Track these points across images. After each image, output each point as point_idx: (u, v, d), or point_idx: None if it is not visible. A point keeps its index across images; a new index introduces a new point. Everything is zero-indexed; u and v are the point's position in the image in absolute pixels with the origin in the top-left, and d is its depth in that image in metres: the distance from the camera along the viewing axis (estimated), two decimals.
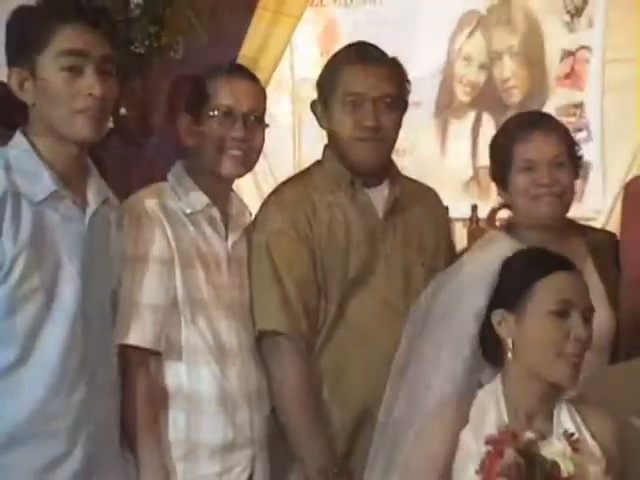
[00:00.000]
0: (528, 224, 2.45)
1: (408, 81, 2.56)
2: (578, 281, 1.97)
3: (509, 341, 1.96)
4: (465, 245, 3.77)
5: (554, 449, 1.77)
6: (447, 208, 2.79)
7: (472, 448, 1.91)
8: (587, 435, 1.94)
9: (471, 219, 4.41)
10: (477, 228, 4.34)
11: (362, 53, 2.55)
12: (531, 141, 2.43)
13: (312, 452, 2.41)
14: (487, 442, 1.81)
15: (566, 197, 2.44)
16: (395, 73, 2.53)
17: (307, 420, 2.42)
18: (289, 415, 2.44)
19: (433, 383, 2.05)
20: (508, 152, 2.45)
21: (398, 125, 2.54)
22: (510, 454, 1.74)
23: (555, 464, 1.75)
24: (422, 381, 2.06)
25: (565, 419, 1.95)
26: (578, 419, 1.96)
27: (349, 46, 2.64)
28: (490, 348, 2.01)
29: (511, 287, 1.98)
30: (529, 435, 1.80)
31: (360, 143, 2.49)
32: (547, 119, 2.56)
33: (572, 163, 2.46)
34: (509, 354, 1.96)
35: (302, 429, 2.42)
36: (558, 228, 2.46)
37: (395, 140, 2.55)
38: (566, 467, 1.77)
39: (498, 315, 1.98)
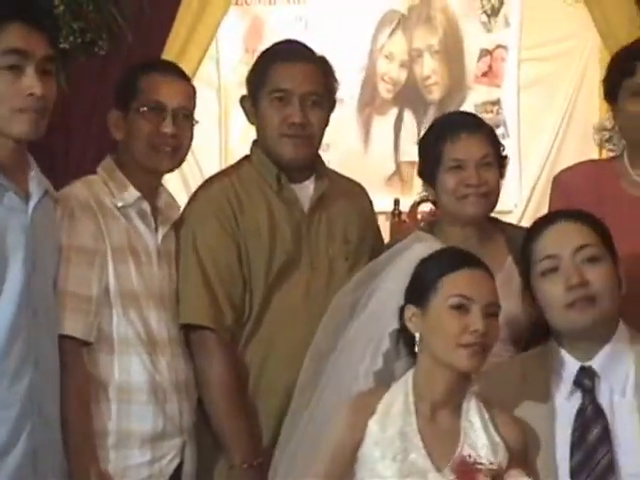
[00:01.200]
0: (452, 221, 2.51)
1: (335, 79, 2.61)
2: (482, 278, 2.03)
3: (417, 335, 2.04)
4: (388, 238, 3.85)
5: None
6: (371, 202, 2.83)
7: (377, 437, 1.99)
8: (492, 430, 2.02)
9: (393, 213, 4.46)
10: (399, 222, 4.40)
11: (290, 51, 2.59)
12: (460, 141, 2.46)
13: (236, 442, 2.45)
14: (459, 464, 1.89)
15: (492, 197, 2.49)
16: (322, 71, 2.57)
17: (232, 411, 2.46)
18: (215, 406, 2.48)
19: (360, 374, 2.11)
20: (437, 151, 2.49)
21: (324, 122, 2.58)
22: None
23: None
24: (350, 372, 2.12)
25: (472, 413, 2.03)
26: (486, 415, 2.04)
27: (277, 44, 2.68)
28: (408, 343, 2.08)
29: (421, 283, 2.06)
30: (499, 467, 1.88)
31: (286, 139, 2.52)
32: (476, 120, 2.61)
33: (498, 163, 2.51)
34: (417, 348, 2.04)
35: (227, 420, 2.46)
36: (480, 225, 2.52)
37: (322, 137, 2.59)
38: None
39: (409, 310, 2.06)
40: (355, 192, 2.73)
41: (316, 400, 2.15)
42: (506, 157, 2.56)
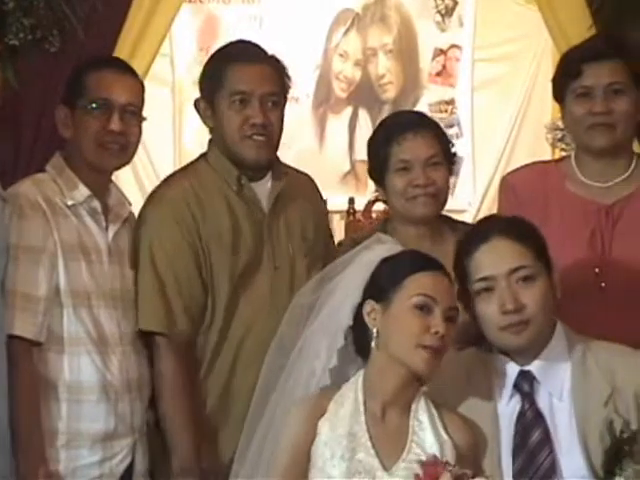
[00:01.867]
0: (403, 221, 2.53)
1: (289, 78, 2.62)
2: (444, 282, 2.05)
3: (375, 330, 2.05)
4: (343, 237, 3.87)
5: None
6: (321, 196, 2.84)
7: (327, 437, 2.01)
8: (440, 428, 2.05)
9: (348, 211, 4.49)
10: (354, 220, 4.43)
11: (245, 51, 2.59)
12: (406, 142, 2.46)
13: (180, 446, 2.45)
14: (420, 464, 1.88)
15: (441, 196, 2.50)
16: (278, 71, 2.58)
17: (179, 416, 2.46)
18: (162, 408, 2.48)
19: (317, 370, 2.12)
20: (384, 152, 2.49)
21: (282, 121, 2.60)
22: (447, 478, 1.82)
23: None
24: (308, 368, 2.12)
25: (421, 412, 2.05)
26: (434, 413, 2.06)
27: (230, 44, 2.68)
28: (360, 341, 2.09)
29: (383, 280, 2.07)
30: (464, 470, 1.88)
31: (249, 141, 2.52)
32: (423, 119, 2.60)
33: (447, 162, 2.52)
34: (373, 343, 2.05)
35: (174, 423, 2.46)
36: (432, 224, 2.54)
37: (280, 136, 2.60)
38: None
39: (368, 305, 2.07)
40: (308, 186, 2.74)
41: (276, 398, 2.15)
42: (455, 155, 2.58)
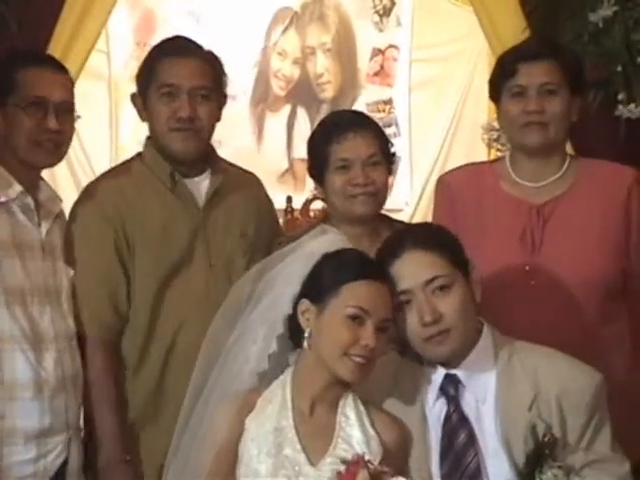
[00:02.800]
0: (343, 219, 2.55)
1: (224, 73, 2.63)
2: (381, 293, 2.06)
3: (307, 331, 2.07)
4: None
5: None
6: (268, 196, 2.86)
7: (254, 433, 2.03)
8: (367, 424, 2.07)
9: (286, 210, 4.50)
10: (292, 218, 4.44)
11: (176, 46, 2.61)
12: (346, 141, 2.49)
13: (106, 439, 2.48)
14: (342, 462, 1.89)
15: (380, 195, 2.54)
16: (210, 65, 2.59)
17: (104, 411, 2.49)
18: (91, 405, 2.50)
19: (252, 356, 2.13)
20: (324, 151, 2.53)
21: (214, 116, 2.61)
22: (364, 476, 1.83)
23: None
24: (243, 354, 2.13)
25: (349, 408, 2.08)
26: (362, 409, 2.09)
27: (165, 40, 2.70)
28: (295, 331, 2.12)
29: (322, 282, 2.07)
30: (383, 468, 1.90)
31: (176, 134, 2.55)
32: (363, 119, 2.62)
33: (386, 161, 2.55)
34: (305, 343, 2.07)
35: (100, 419, 2.49)
36: (371, 223, 2.57)
37: (211, 131, 2.61)
38: None
39: (304, 305, 2.09)
40: (251, 184, 2.76)
41: (209, 391, 2.16)
42: (394, 154, 2.61)
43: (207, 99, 2.56)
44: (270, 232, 2.74)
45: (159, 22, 4.72)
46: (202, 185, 2.61)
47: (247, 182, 2.75)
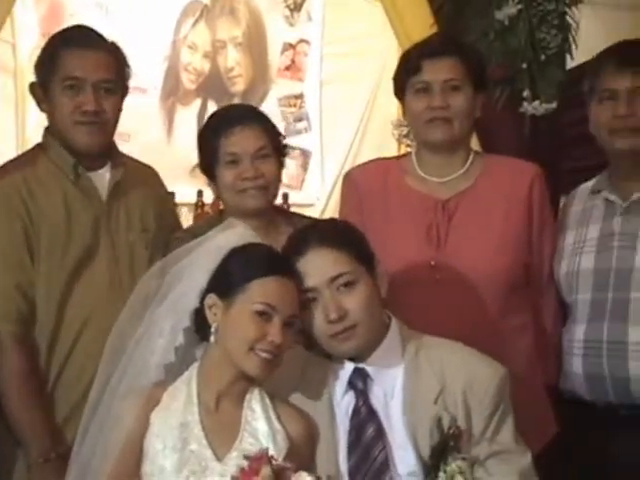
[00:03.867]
0: (236, 214, 2.52)
1: (128, 65, 2.61)
2: (288, 289, 2.07)
3: (214, 325, 2.07)
4: None
5: None
6: (166, 188, 2.83)
7: (159, 428, 2.02)
8: (274, 418, 2.08)
9: (197, 204, 4.47)
10: (202, 213, 4.40)
11: (80, 37, 2.57)
12: (234, 135, 2.50)
13: (31, 437, 2.44)
14: (245, 458, 1.89)
15: (271, 188, 2.54)
16: (114, 58, 2.57)
17: (26, 405, 2.45)
18: (9, 400, 2.45)
19: (158, 349, 2.12)
20: (213, 146, 2.53)
21: (118, 109, 2.59)
22: (267, 472, 1.83)
23: None
24: (150, 347, 2.12)
25: (255, 402, 2.08)
26: (268, 403, 2.09)
27: (67, 29, 2.65)
28: (201, 325, 2.11)
29: (230, 277, 2.08)
30: (285, 463, 1.91)
31: (80, 127, 2.52)
32: (250, 112, 2.63)
33: (276, 154, 2.55)
34: (212, 338, 2.07)
35: (21, 414, 2.45)
36: (266, 216, 2.57)
37: (116, 124, 2.59)
38: None
39: (210, 299, 2.08)
40: (150, 178, 2.75)
41: (114, 385, 2.14)
42: (286, 146, 2.61)
43: (111, 92, 2.55)
44: (169, 226, 2.72)
45: (67, 13, 4.61)
46: (104, 178, 2.59)
47: (147, 176, 2.74)
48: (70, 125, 2.52)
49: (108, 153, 2.62)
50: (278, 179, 2.57)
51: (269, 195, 2.55)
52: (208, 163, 2.56)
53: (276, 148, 2.55)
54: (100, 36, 2.59)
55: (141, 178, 2.69)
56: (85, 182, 2.56)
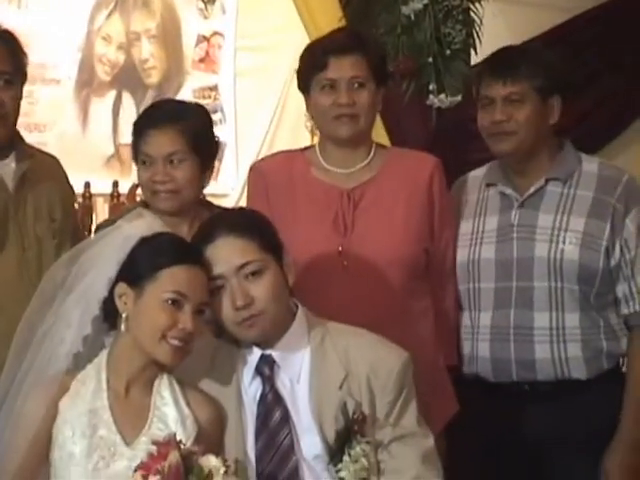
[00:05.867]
0: (156, 211, 2.49)
1: (24, 53, 2.54)
2: (199, 277, 2.05)
3: (125, 315, 2.03)
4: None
5: (211, 463, 1.85)
6: (67, 178, 2.78)
7: (68, 415, 1.99)
8: (183, 404, 2.06)
9: (112, 195, 4.41)
10: (118, 203, 4.35)
11: None
12: (149, 137, 2.44)
13: None
14: (154, 443, 1.86)
15: (184, 192, 2.47)
16: (10, 48, 2.50)
17: None
18: None
19: (67, 338, 2.08)
20: (134, 143, 2.50)
21: (18, 98, 2.53)
22: (175, 456, 1.81)
23: (210, 474, 1.83)
24: (58, 336, 2.08)
25: (164, 388, 2.06)
26: (177, 389, 2.07)
27: None
28: (110, 313, 2.08)
29: (140, 266, 2.04)
30: (193, 448, 1.89)
31: None
32: (173, 114, 2.50)
33: (193, 157, 2.47)
34: (122, 327, 2.04)
35: None
36: (190, 212, 2.52)
37: (17, 114, 2.54)
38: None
39: (121, 288, 2.05)
40: (55, 169, 2.71)
41: (23, 374, 2.09)
42: (207, 148, 2.53)
43: (9, 83, 2.50)
44: (74, 218, 2.69)
45: None
46: (9, 168, 2.53)
47: (50, 165, 2.69)
48: None
49: (11, 143, 2.55)
50: (192, 182, 2.48)
51: (181, 198, 2.48)
52: (135, 158, 2.53)
53: (196, 150, 2.47)
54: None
55: (46, 168, 2.64)
56: None
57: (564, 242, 2.55)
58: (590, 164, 2.66)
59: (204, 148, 2.50)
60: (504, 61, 2.63)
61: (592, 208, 2.58)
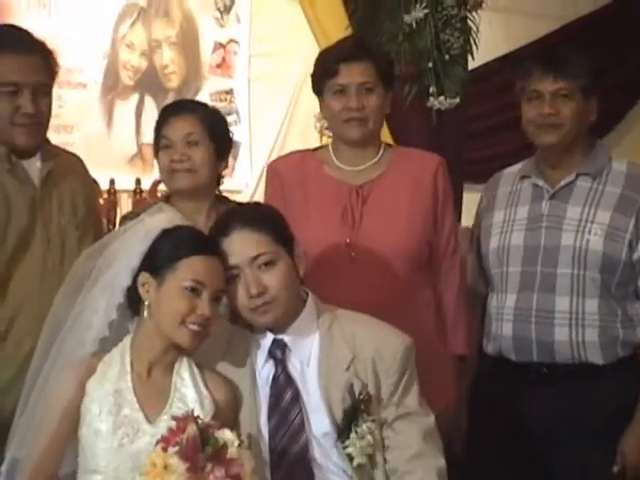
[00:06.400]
0: (180, 197, 2.58)
1: (57, 64, 2.55)
2: (215, 267, 2.07)
3: (147, 302, 2.05)
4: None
5: (226, 436, 1.86)
6: (90, 175, 2.80)
7: (95, 394, 2.01)
8: (201, 384, 2.08)
9: (135, 191, 4.43)
10: (141, 199, 4.37)
11: (15, 41, 2.49)
12: (169, 122, 2.57)
13: None
14: (173, 419, 1.88)
15: (201, 172, 2.56)
16: (47, 60, 2.51)
17: None
18: None
19: (94, 324, 2.09)
20: (156, 132, 2.60)
21: (49, 107, 2.54)
22: (192, 429, 1.82)
23: (224, 445, 1.85)
24: (86, 323, 2.10)
25: (183, 370, 2.08)
26: (195, 371, 2.09)
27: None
28: (134, 301, 2.09)
29: (161, 256, 2.06)
30: (210, 421, 1.90)
31: (19, 128, 2.46)
32: (190, 105, 2.70)
33: (210, 143, 2.57)
34: (145, 313, 2.06)
35: None
36: (208, 201, 2.59)
37: (48, 122, 2.55)
38: (231, 452, 1.86)
39: (143, 277, 2.06)
40: (78, 166, 2.72)
41: (51, 361, 2.11)
42: (221, 136, 2.62)
43: (47, 94, 2.52)
44: (95, 210, 2.72)
45: (10, 13, 4.50)
46: (35, 167, 2.55)
47: (73, 163, 2.71)
48: (8, 126, 2.45)
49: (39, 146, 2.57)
50: (207, 165, 2.57)
51: (197, 178, 2.56)
52: (156, 149, 2.62)
53: (212, 137, 2.57)
54: (32, 37, 2.52)
55: (70, 166, 2.66)
56: (19, 171, 2.51)
57: (590, 233, 2.55)
58: (619, 163, 2.66)
59: (219, 136, 2.60)
60: (555, 58, 2.62)
61: (619, 203, 2.58)
